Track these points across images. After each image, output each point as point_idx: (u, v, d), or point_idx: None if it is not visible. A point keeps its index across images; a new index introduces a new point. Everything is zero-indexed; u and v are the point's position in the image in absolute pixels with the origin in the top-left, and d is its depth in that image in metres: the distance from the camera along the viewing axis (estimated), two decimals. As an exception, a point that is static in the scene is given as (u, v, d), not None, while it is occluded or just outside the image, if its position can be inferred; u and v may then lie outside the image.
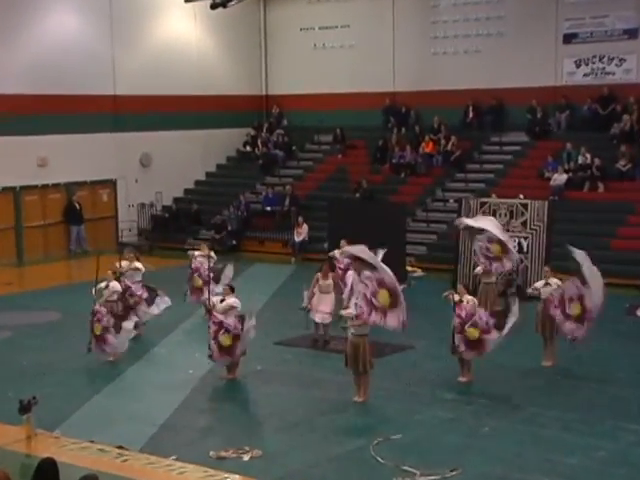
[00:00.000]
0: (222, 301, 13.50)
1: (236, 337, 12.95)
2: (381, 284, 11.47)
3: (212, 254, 17.70)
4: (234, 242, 25.70)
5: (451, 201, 23.88)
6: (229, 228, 25.98)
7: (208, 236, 25.54)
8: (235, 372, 13.39)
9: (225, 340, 12.95)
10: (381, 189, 25.32)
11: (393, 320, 11.54)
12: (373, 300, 11.39)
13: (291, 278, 21.63)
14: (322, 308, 15.05)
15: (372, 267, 11.51)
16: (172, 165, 27.92)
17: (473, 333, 12.63)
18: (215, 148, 29.42)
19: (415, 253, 22.69)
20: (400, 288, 11.75)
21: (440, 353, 13.91)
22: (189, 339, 15.99)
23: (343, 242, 18.40)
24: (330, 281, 15.28)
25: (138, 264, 16.43)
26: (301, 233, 24.52)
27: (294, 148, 29.20)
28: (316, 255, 23.04)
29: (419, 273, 21.64)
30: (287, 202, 26.15)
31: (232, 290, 13.59)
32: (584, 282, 13.41)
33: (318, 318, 15.10)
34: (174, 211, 27.38)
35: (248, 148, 29.48)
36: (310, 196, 26.63)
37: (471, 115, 26.57)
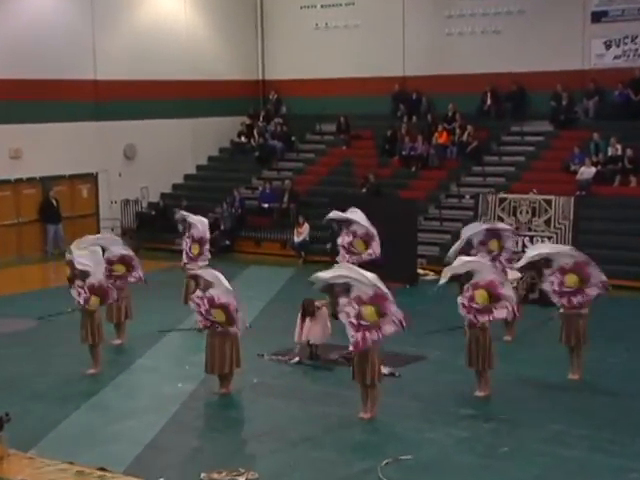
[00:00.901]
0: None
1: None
2: (359, 302, 11.83)
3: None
4: (227, 242, 25.72)
5: (467, 197, 23.88)
6: (222, 227, 25.99)
7: (199, 236, 25.51)
8: (229, 386, 13.41)
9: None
10: (390, 184, 25.34)
11: (389, 327, 11.88)
12: (362, 322, 11.76)
13: (291, 282, 21.63)
14: (314, 332, 14.95)
15: (346, 289, 11.91)
16: (159, 157, 27.94)
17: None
18: (206, 139, 29.45)
19: (427, 254, 22.70)
20: (384, 289, 11.94)
21: (455, 365, 13.92)
22: (178, 349, 16.01)
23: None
24: (321, 312, 14.99)
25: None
26: (301, 233, 24.54)
27: (294, 139, 29.22)
28: (318, 257, 23.06)
29: (431, 277, 21.63)
30: (286, 198, 26.17)
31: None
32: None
33: (312, 340, 14.99)
34: (161, 208, 27.40)
35: (243, 139, 29.50)
36: (311, 192, 26.64)
37: (489, 102, 26.58)
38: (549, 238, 18.95)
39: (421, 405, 12.77)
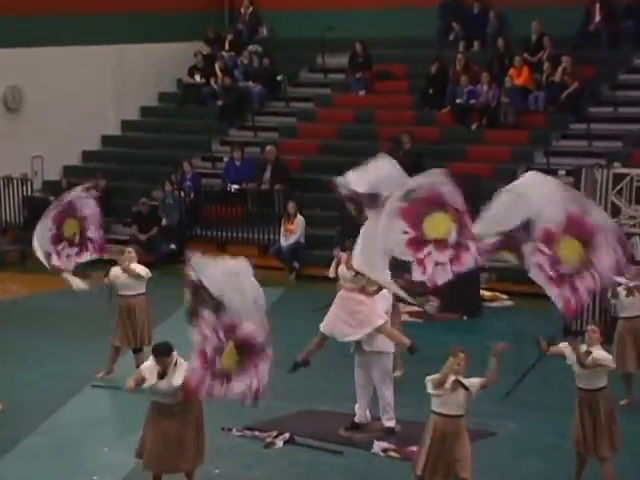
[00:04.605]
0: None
1: None
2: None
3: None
4: (173, 246, 25.66)
5: (562, 172, 23.83)
6: (164, 222, 25.97)
7: (127, 235, 25.49)
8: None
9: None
10: (436, 151, 25.37)
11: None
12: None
13: (276, 309, 21.54)
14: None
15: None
16: (61, 109, 27.92)
17: None
18: (139, 78, 29.47)
19: (496, 266, 22.64)
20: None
21: (541, 443, 13.98)
22: (90, 420, 15.92)
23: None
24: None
25: None
26: (293, 231, 24.48)
27: (280, 78, 29.20)
28: (320, 269, 23.03)
29: (503, 302, 21.62)
30: (268, 175, 26.16)
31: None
32: None
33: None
34: (65, 190, 27.36)
35: (198, 78, 29.52)
36: (309, 164, 26.73)
37: (597, 19, 26.58)
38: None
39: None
